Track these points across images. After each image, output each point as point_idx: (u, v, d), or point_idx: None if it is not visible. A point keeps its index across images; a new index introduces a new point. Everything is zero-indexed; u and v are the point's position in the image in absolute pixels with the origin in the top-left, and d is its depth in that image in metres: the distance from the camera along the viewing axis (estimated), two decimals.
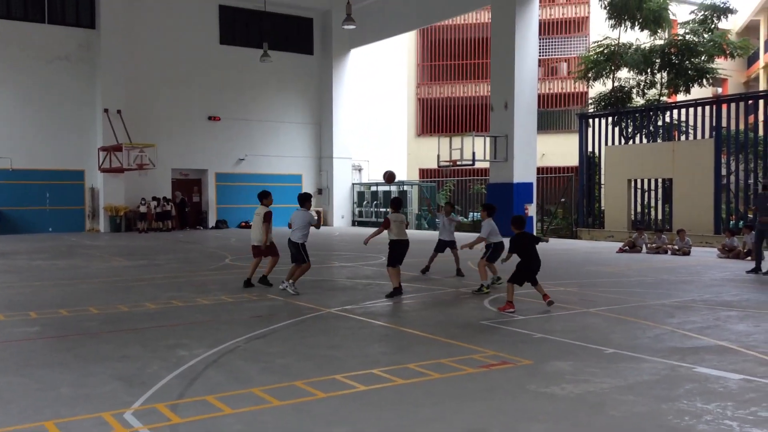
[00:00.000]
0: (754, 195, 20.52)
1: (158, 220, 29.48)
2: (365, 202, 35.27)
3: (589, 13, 39.11)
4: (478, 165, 26.21)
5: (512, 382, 5.75)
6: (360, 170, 40.21)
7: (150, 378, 5.90)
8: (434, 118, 42.54)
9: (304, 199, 11.05)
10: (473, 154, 24.54)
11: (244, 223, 31.11)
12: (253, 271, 11.68)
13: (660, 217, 25.01)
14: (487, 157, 25.45)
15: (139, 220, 29.12)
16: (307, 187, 34.15)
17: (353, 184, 36.02)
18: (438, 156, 25.80)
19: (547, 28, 39.20)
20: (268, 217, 11.41)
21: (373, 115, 41.24)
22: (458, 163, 25.41)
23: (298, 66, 34.13)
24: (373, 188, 35.40)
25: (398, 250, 10.69)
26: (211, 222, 32.15)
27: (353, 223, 35.33)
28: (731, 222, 22.10)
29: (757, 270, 13.31)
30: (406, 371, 6.09)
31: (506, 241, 10.22)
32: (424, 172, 41.25)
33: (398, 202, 11.04)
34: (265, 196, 11.67)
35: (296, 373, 6.04)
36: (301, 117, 34.54)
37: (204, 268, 14.79)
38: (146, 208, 29.13)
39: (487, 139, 25.69)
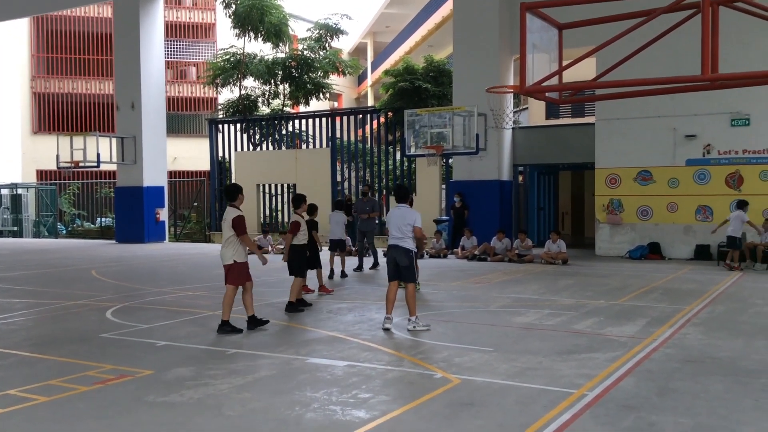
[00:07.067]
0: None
1: None
2: None
3: (215, 19, 39.64)
4: (104, 167, 24.74)
5: (129, 396, 5.54)
6: None
7: None
8: (53, 115, 38.69)
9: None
10: (98, 155, 23.01)
11: None
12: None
13: (287, 219, 26.58)
14: (114, 159, 24.14)
15: None
16: None
17: None
18: (57, 156, 23.62)
19: (174, 31, 38.62)
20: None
21: None
22: (81, 164, 23.61)
23: None
24: None
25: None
26: None
27: None
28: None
29: (360, 268, 14.81)
30: (6, 399, 5.44)
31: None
32: (42, 174, 37.27)
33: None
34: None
35: None
36: None
37: None
38: None
39: (114, 140, 24.36)
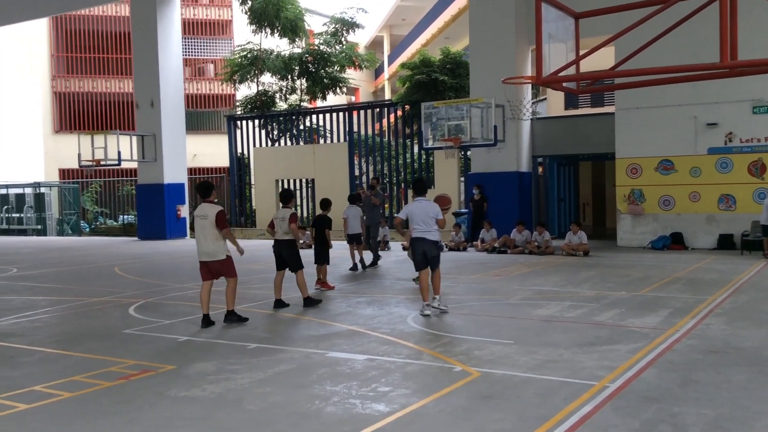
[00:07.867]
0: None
1: None
2: None
3: (232, 16, 39.79)
4: (125, 165, 24.97)
5: (151, 391, 5.60)
6: None
7: None
8: (74, 114, 39.11)
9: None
10: (119, 153, 23.27)
11: None
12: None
13: (306, 214, 26.70)
14: (135, 157, 24.38)
15: None
16: None
17: None
18: (79, 155, 23.90)
19: (191, 28, 38.85)
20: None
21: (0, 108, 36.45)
22: (102, 162, 23.88)
23: None
24: (2, 191, 31.32)
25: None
26: None
27: None
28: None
29: (375, 263, 14.69)
30: (32, 395, 5.53)
31: None
32: (65, 173, 37.72)
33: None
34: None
35: None
36: None
37: None
38: None
39: (134, 138, 24.61)
